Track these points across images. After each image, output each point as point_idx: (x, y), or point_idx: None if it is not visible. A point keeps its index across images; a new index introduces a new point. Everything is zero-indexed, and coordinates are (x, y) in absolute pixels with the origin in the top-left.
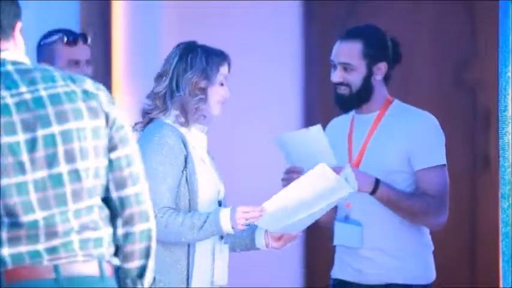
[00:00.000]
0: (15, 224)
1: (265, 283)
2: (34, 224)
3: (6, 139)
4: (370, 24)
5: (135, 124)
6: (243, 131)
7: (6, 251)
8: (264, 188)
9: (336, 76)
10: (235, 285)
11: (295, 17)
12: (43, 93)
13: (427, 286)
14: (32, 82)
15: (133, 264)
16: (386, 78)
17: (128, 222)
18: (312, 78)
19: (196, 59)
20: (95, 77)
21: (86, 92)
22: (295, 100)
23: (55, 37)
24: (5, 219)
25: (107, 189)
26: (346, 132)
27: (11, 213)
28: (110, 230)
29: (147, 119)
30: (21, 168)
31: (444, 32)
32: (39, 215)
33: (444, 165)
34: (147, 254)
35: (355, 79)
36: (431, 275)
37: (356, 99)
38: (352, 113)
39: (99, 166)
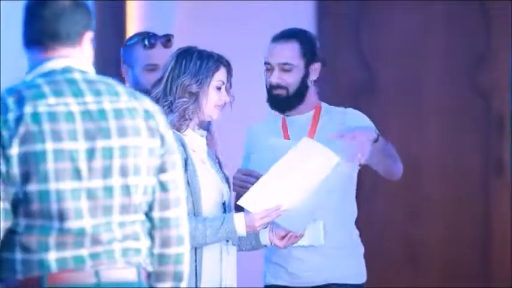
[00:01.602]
0: (64, 230)
1: None
2: (81, 231)
3: (68, 145)
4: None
5: None
6: None
7: (53, 256)
8: None
9: (275, 77)
10: (245, 285)
11: (308, 16)
12: (107, 106)
13: (361, 285)
14: (97, 93)
15: (164, 285)
16: (316, 81)
17: (165, 243)
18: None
19: (190, 64)
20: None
21: (146, 111)
22: None
23: (135, 39)
24: (55, 224)
25: (149, 208)
26: (280, 135)
27: (61, 218)
28: (149, 243)
29: None
30: (77, 174)
31: (457, 32)
32: (87, 222)
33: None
34: (179, 277)
35: (294, 80)
36: (364, 275)
37: (293, 101)
38: (276, 117)
39: (148, 184)
